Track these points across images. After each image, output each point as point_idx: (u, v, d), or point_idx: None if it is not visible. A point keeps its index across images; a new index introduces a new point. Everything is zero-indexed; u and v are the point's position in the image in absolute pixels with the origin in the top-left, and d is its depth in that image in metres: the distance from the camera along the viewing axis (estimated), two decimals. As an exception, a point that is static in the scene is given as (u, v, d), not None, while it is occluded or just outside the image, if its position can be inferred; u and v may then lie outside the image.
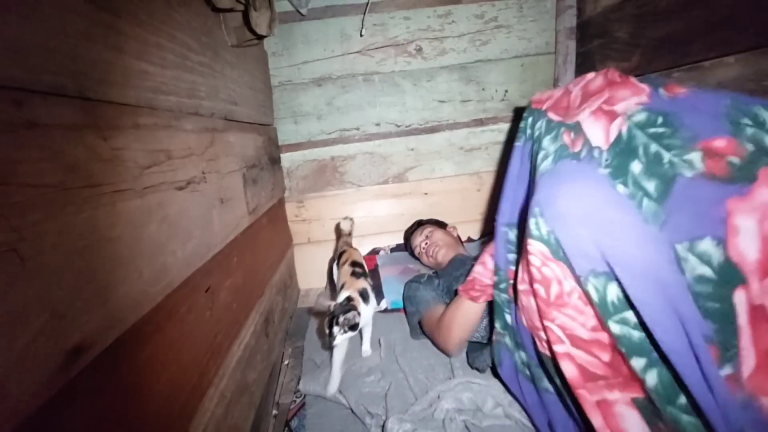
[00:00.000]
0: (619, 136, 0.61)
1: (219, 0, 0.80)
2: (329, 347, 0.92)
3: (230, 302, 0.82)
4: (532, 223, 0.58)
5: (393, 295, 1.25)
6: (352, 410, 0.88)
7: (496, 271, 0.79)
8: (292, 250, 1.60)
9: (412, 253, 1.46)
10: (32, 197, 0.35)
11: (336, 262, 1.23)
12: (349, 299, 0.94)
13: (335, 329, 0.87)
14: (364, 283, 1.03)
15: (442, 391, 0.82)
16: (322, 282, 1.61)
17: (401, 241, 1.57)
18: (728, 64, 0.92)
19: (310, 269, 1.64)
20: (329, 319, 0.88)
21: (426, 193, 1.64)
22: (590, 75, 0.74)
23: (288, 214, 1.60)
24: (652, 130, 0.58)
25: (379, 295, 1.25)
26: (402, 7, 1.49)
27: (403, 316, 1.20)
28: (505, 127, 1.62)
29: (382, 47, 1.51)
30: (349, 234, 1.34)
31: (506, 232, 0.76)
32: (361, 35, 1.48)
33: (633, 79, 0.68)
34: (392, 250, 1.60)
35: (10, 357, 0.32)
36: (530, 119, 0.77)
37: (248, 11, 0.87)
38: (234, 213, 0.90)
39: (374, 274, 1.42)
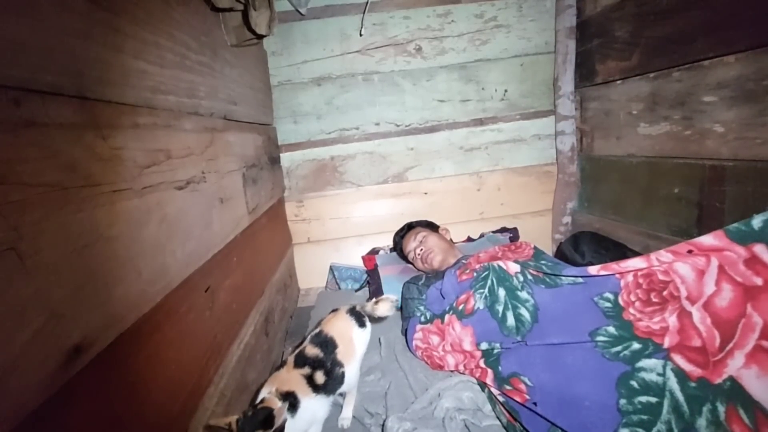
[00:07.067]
0: None
1: (218, -1, 0.80)
2: None
3: (230, 302, 0.82)
4: None
5: (393, 294, 1.25)
6: (351, 409, 0.88)
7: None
8: (291, 250, 1.60)
9: (404, 257, 1.40)
10: (31, 196, 0.35)
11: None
12: (256, 408, 0.61)
13: None
14: (298, 383, 0.69)
15: (442, 389, 0.82)
16: (321, 281, 1.61)
17: (400, 240, 1.56)
18: (728, 64, 0.92)
19: (310, 269, 1.64)
20: None
21: (426, 193, 1.64)
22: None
23: (288, 213, 1.60)
24: None
25: (379, 294, 1.24)
26: (401, 6, 1.49)
27: (404, 315, 1.20)
28: (505, 126, 1.62)
29: (382, 47, 1.51)
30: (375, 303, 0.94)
31: None
32: (361, 35, 1.48)
33: None
34: (392, 249, 1.60)
35: (10, 356, 0.32)
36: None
37: (248, 11, 0.87)
38: (234, 213, 0.90)
39: (374, 274, 1.41)
